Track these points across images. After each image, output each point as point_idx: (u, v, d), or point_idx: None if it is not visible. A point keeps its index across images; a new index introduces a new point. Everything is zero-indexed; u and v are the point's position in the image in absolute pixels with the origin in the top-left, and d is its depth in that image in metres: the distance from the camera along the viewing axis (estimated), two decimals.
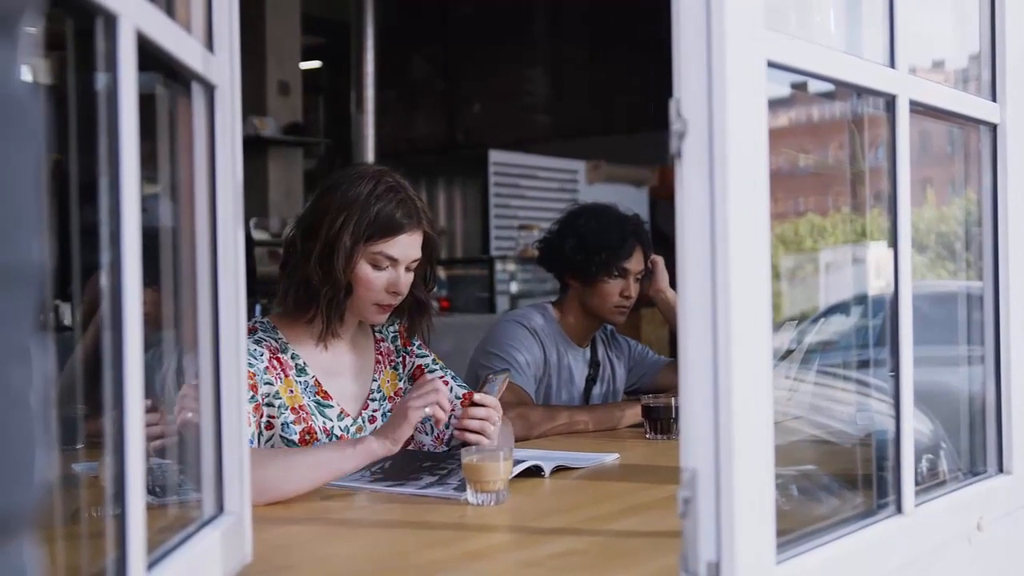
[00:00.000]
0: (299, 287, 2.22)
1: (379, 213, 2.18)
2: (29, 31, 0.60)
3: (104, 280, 1.01)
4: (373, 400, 2.35)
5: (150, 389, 1.06)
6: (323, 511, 1.88)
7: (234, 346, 1.39)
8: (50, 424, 0.58)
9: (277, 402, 2.17)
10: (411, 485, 1.99)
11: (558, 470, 2.19)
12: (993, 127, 1.81)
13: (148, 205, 1.09)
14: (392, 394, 2.38)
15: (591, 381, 3.14)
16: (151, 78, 1.21)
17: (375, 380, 2.37)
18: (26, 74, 0.58)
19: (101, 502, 1.56)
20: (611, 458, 2.37)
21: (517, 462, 2.04)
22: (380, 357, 2.40)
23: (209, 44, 1.35)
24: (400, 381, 2.41)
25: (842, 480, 1.71)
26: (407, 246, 2.23)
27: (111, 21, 0.99)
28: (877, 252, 1.87)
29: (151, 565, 1.08)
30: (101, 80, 1.01)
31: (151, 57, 1.11)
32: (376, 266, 2.21)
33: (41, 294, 0.57)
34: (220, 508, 1.37)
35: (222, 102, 1.37)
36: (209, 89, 1.35)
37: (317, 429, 2.21)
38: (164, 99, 1.32)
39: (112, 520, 1.02)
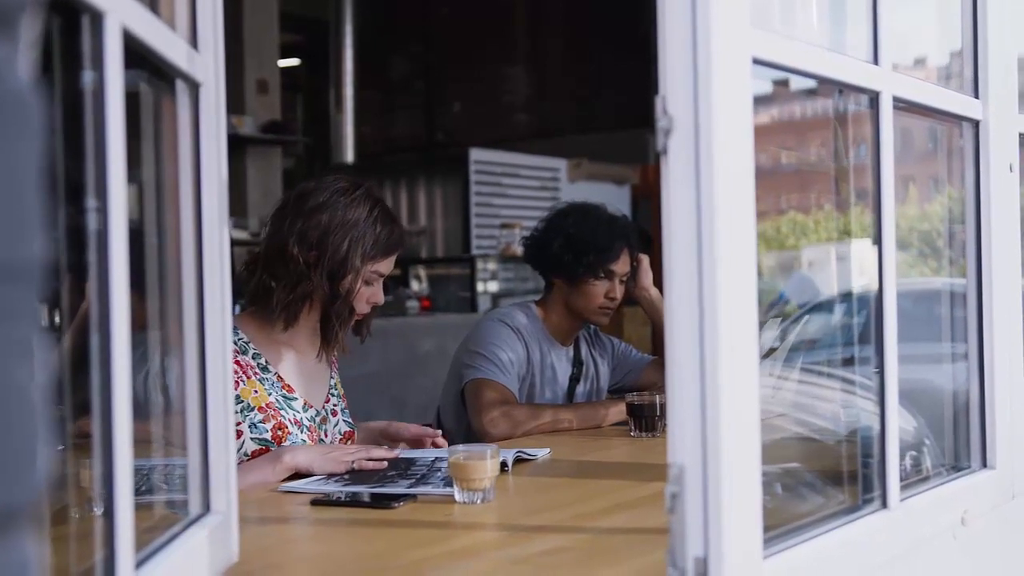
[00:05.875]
0: (304, 300, 2.28)
1: (380, 235, 2.29)
2: (29, 28, 0.59)
3: (91, 281, 1.00)
4: (333, 395, 2.45)
5: (134, 391, 1.06)
6: (309, 511, 1.87)
7: (220, 346, 1.38)
8: (51, 419, 0.58)
9: (239, 405, 2.20)
10: (400, 485, 1.98)
11: (518, 462, 2.25)
12: (975, 123, 1.82)
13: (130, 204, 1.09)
14: (341, 394, 2.50)
15: (574, 380, 3.13)
16: (134, 75, 1.20)
17: (332, 378, 2.47)
18: (26, 71, 0.58)
19: (81, 502, 1.56)
20: (543, 453, 2.39)
21: None
22: (333, 358, 2.49)
23: (194, 42, 1.35)
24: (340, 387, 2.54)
25: (827, 476, 1.72)
26: (393, 262, 2.36)
27: (97, 18, 0.98)
28: (860, 249, 1.87)
29: (138, 564, 1.08)
30: (87, 77, 1.00)
31: (135, 54, 1.10)
32: (368, 283, 2.31)
33: (40, 291, 0.58)
34: (207, 507, 1.37)
35: (207, 100, 1.37)
36: (194, 87, 1.34)
37: (288, 423, 2.26)
38: (147, 97, 1.31)
39: (98, 519, 1.02)
